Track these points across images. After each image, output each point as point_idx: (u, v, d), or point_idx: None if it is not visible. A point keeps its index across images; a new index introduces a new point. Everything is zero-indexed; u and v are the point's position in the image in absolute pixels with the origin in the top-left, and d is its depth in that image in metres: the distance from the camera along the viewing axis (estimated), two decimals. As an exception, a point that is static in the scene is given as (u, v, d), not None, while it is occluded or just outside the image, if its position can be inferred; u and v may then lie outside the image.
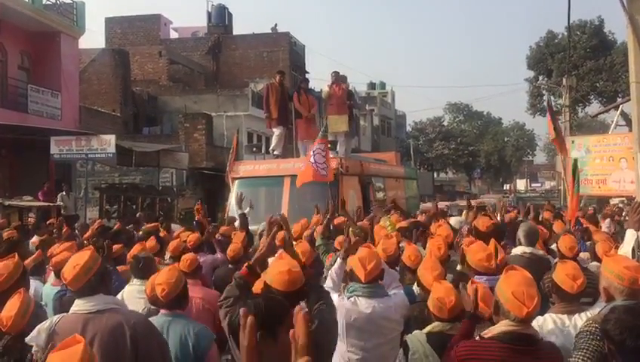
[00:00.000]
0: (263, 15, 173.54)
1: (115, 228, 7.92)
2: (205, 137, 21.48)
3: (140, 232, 7.73)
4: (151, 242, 5.62)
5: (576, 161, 9.07)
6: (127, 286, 4.18)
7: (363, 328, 3.41)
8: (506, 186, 62.37)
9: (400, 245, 4.93)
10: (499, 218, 7.78)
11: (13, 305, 2.97)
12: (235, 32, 35.00)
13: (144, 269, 4.06)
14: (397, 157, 16.25)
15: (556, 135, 10.71)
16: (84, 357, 1.77)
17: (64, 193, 14.30)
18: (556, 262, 3.40)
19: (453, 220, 7.75)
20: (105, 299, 2.81)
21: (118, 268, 4.70)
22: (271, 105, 10.96)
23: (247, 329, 1.57)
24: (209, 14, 34.87)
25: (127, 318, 2.78)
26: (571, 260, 3.74)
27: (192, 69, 32.18)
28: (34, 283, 4.38)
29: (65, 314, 2.85)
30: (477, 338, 2.65)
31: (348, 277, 3.60)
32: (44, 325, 2.74)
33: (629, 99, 8.15)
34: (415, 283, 3.84)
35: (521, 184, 66.00)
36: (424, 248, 4.93)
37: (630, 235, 3.88)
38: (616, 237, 6.08)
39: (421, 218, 7.73)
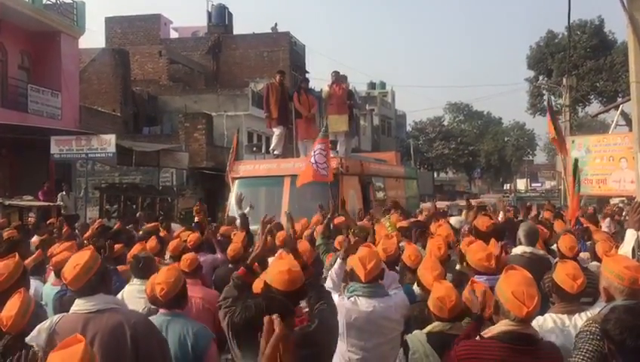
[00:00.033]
0: (263, 15, 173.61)
1: (115, 227, 7.92)
2: (205, 137, 21.49)
3: (140, 232, 7.73)
4: (152, 242, 5.61)
5: (577, 160, 9.07)
6: (127, 286, 4.18)
7: (363, 328, 3.41)
8: (506, 186, 62.37)
9: (400, 245, 4.93)
10: (500, 218, 7.78)
11: (13, 304, 2.97)
12: (235, 32, 35.01)
13: (144, 269, 4.06)
14: (397, 157, 16.26)
15: (556, 134, 10.72)
16: (85, 357, 1.77)
17: (64, 193, 14.30)
18: (556, 262, 3.40)
19: (453, 220, 7.76)
20: (105, 299, 2.81)
21: (118, 267, 4.70)
22: (271, 104, 10.96)
23: (273, 341, 1.57)
24: (209, 14, 34.89)
25: (128, 318, 2.78)
26: (571, 260, 3.74)
27: (192, 69, 32.19)
28: (34, 282, 4.38)
29: (65, 313, 2.85)
30: (477, 337, 2.66)
31: (348, 276, 3.60)
32: (45, 325, 2.74)
33: (629, 99, 8.14)
34: (415, 283, 3.84)
35: (521, 184, 65.97)
36: (424, 249, 4.93)
37: (630, 235, 3.88)
38: (617, 237, 6.07)
39: (421, 217, 7.73)
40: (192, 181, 21.37)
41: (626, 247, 3.86)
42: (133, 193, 16.11)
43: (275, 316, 1.61)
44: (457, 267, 4.26)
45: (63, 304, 3.69)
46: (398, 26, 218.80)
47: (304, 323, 2.69)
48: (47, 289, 4.50)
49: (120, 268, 4.78)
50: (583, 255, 5.12)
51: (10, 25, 16.16)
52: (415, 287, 3.83)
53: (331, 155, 9.25)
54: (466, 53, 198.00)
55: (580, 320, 2.92)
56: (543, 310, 2.93)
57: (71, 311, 2.79)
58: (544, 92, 37.98)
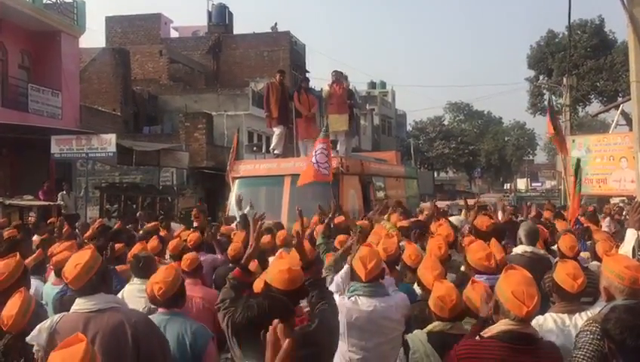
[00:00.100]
0: (263, 14, 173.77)
1: (115, 227, 7.92)
2: (206, 136, 21.49)
3: (140, 232, 7.73)
4: (153, 242, 5.61)
5: (579, 160, 9.06)
6: (127, 286, 4.18)
7: (364, 327, 3.41)
8: (507, 186, 62.38)
9: (400, 244, 4.93)
10: (500, 217, 7.78)
11: (14, 304, 2.98)
12: (235, 32, 35.02)
13: (144, 268, 4.06)
14: (397, 157, 16.24)
15: (556, 134, 10.71)
16: (86, 356, 1.77)
17: (64, 192, 14.31)
18: (557, 262, 3.40)
19: (453, 219, 7.74)
20: (106, 298, 2.81)
21: (118, 267, 4.70)
22: (271, 104, 10.95)
23: (282, 355, 1.56)
24: (209, 13, 34.90)
25: (128, 317, 2.78)
26: (572, 259, 3.74)
27: (193, 68, 32.19)
28: (35, 282, 4.38)
29: (66, 313, 2.85)
30: (477, 337, 2.66)
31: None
32: (45, 324, 2.74)
33: (630, 99, 8.14)
34: (415, 283, 3.84)
35: (521, 183, 66.00)
36: (423, 250, 4.92)
37: (631, 234, 3.88)
38: (617, 237, 6.07)
39: (421, 217, 7.72)
40: (193, 180, 21.38)
41: (627, 247, 3.87)
42: (133, 192, 16.12)
43: (280, 325, 1.58)
44: (462, 268, 4.23)
45: (63, 303, 3.68)
46: (398, 25, 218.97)
47: (304, 322, 2.70)
48: (47, 288, 4.50)
49: (120, 267, 4.78)
50: (584, 254, 5.12)
51: (11, 24, 16.16)
52: (415, 287, 3.82)
53: (332, 155, 9.25)
54: (466, 52, 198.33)
55: (581, 319, 2.92)
56: (543, 310, 2.93)
57: (71, 311, 2.79)
58: (544, 91, 37.95)
